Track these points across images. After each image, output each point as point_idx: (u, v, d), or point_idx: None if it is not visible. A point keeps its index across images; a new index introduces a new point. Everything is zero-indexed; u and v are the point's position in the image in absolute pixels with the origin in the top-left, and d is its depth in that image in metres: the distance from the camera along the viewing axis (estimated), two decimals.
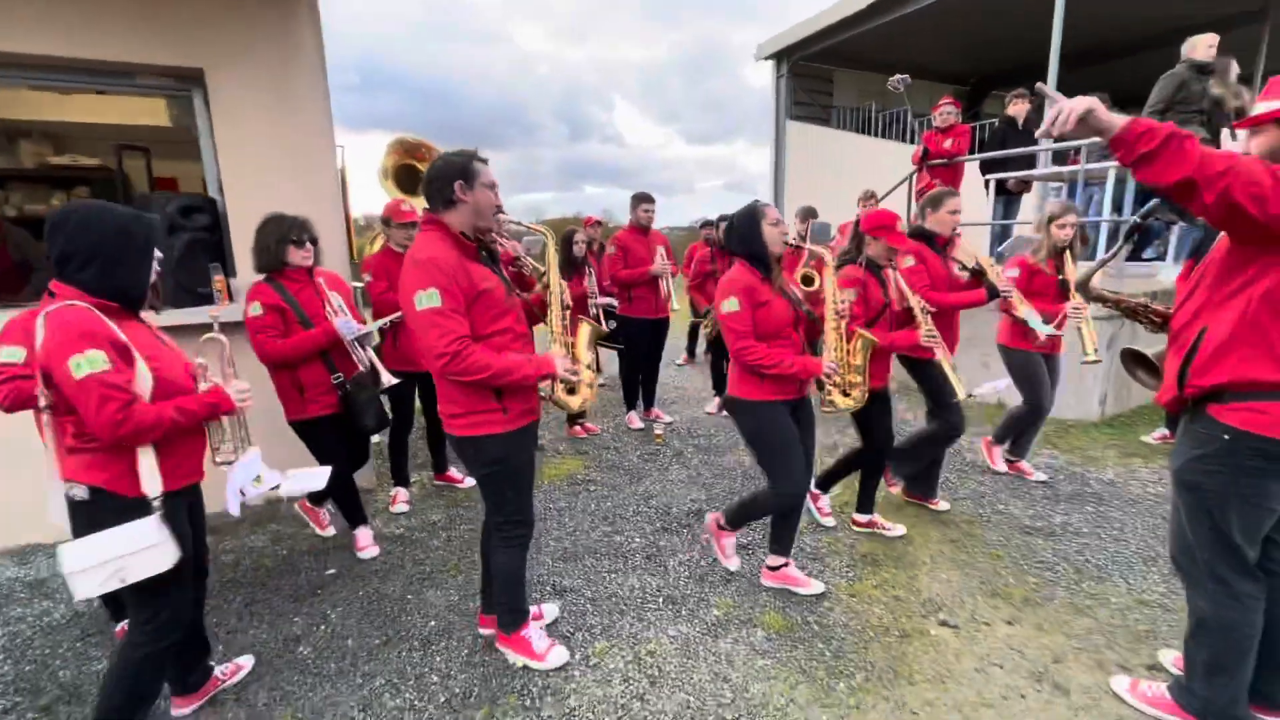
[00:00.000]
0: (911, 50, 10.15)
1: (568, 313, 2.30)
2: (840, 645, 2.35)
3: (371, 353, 2.95)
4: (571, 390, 2.29)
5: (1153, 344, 2.17)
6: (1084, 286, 3.16)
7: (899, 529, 3.17)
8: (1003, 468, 3.93)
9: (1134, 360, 2.20)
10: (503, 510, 2.18)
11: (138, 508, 1.67)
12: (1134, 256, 6.01)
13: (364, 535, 3.13)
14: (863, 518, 3.21)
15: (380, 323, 3.11)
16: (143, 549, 1.63)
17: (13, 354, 2.15)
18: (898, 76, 5.97)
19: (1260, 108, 1.56)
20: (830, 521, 3.29)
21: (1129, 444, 4.40)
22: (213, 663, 2.18)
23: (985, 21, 8.92)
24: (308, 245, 2.77)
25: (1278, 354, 1.52)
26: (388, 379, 2.93)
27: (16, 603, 2.73)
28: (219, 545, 3.16)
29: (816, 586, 2.70)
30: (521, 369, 1.98)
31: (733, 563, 2.90)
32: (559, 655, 2.26)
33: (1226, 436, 1.61)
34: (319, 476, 2.32)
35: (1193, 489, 1.72)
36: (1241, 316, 1.55)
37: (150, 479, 1.68)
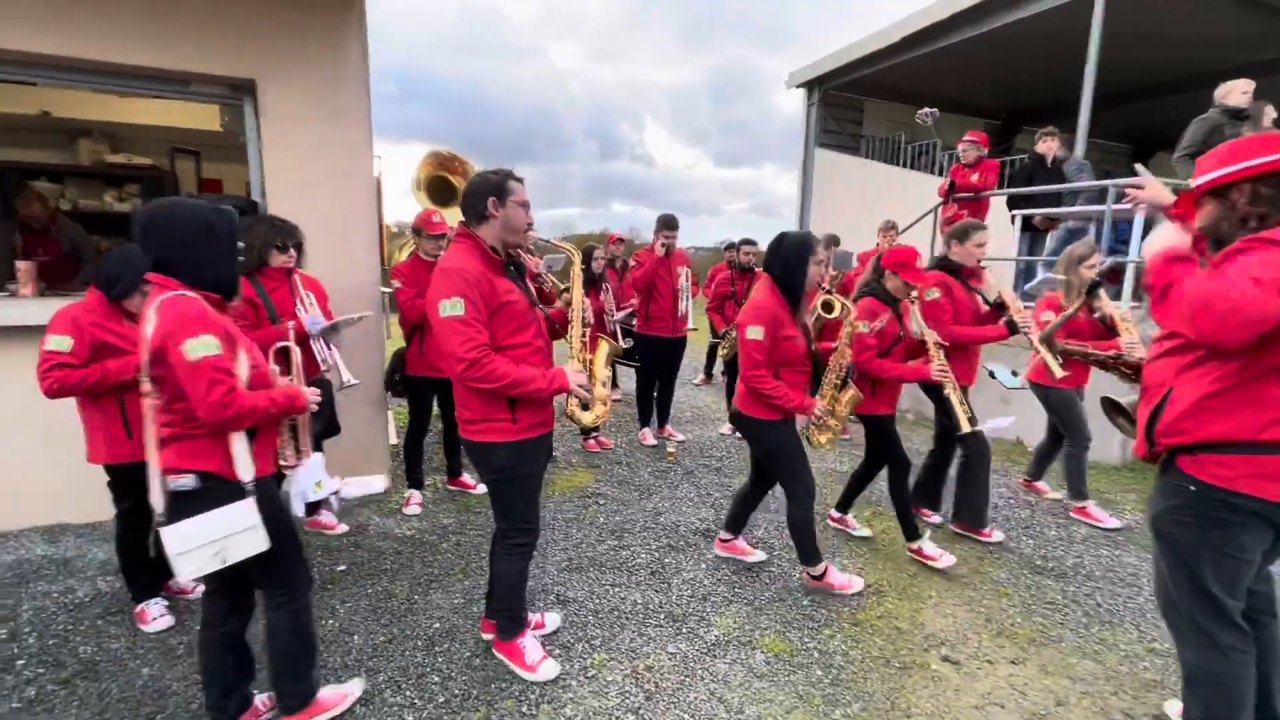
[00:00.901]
0: (944, 83, 10.19)
1: (588, 330, 2.37)
2: (839, 673, 2.34)
3: (336, 352, 3.03)
4: (585, 406, 2.34)
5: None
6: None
7: (949, 559, 3.13)
8: (1056, 495, 4.05)
9: (1113, 409, 2.22)
10: (509, 518, 2.23)
11: (241, 491, 1.73)
12: None
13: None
14: (914, 545, 3.19)
15: (347, 317, 3.11)
16: (242, 530, 1.70)
17: (60, 342, 2.28)
18: (926, 110, 6.01)
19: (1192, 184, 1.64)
20: (866, 531, 3.47)
21: (1148, 488, 4.29)
22: (254, 690, 2.03)
23: (1019, 58, 8.94)
24: (291, 251, 2.92)
25: (1240, 416, 1.55)
26: (348, 378, 3.01)
27: (44, 579, 2.85)
28: None
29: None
30: (536, 382, 2.04)
31: (855, 584, 2.91)
32: (550, 669, 2.28)
33: (1193, 488, 1.64)
34: (375, 483, 2.43)
35: (1167, 539, 1.74)
36: (1208, 383, 1.59)
37: (244, 464, 1.74)
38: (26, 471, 3.25)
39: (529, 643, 2.32)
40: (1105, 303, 3.36)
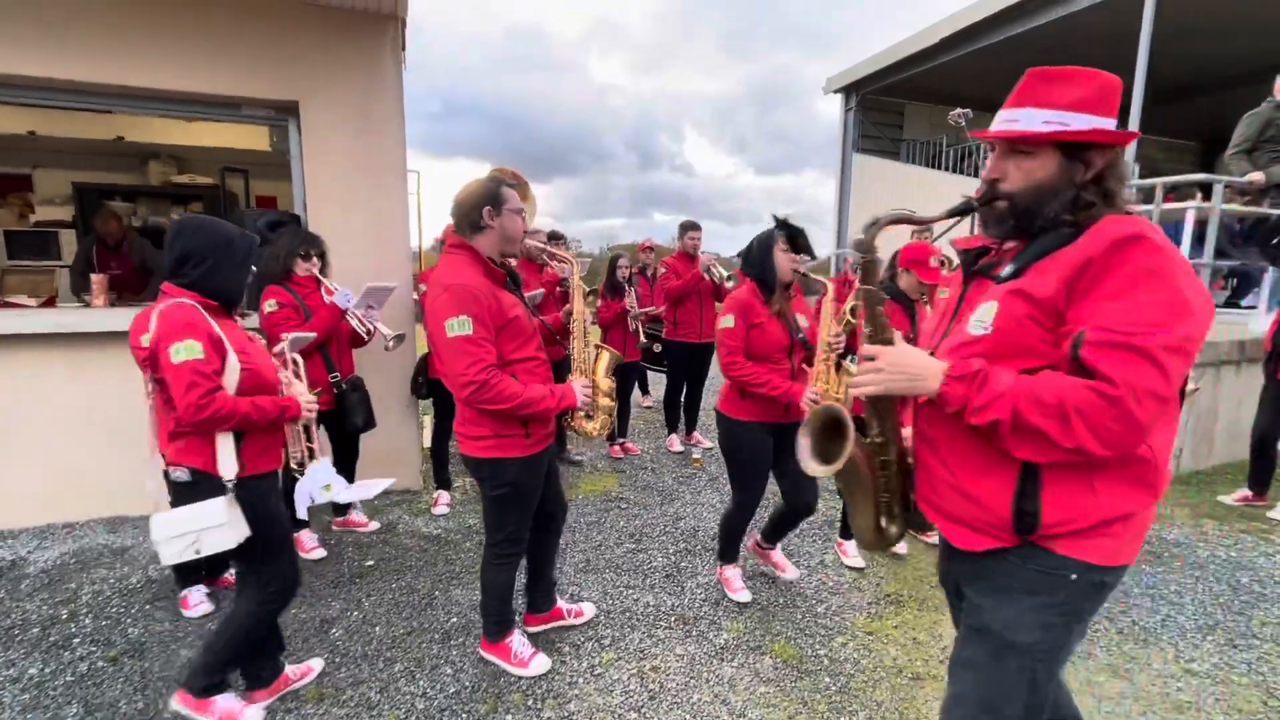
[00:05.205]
0: (988, 84, 9.87)
1: (591, 342, 2.41)
2: (847, 682, 2.31)
3: (374, 319, 3.18)
4: (589, 416, 2.39)
5: None
6: None
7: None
8: None
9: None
10: (504, 529, 2.23)
11: (222, 488, 1.82)
12: (1230, 304, 5.59)
13: (308, 538, 3.23)
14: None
15: (371, 286, 3.21)
16: (214, 526, 1.78)
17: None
18: (959, 110, 5.88)
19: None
20: (859, 563, 3.19)
21: (1203, 503, 4.07)
22: (284, 659, 2.23)
23: (1067, 55, 8.61)
24: (314, 259, 3.10)
25: None
26: (388, 331, 3.18)
27: (102, 565, 3.08)
28: None
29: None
30: (545, 400, 2.04)
31: (742, 594, 2.83)
32: (541, 663, 2.32)
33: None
34: (379, 485, 2.56)
35: None
36: None
37: (227, 462, 1.83)
38: (92, 466, 3.52)
39: (517, 641, 2.36)
40: None
